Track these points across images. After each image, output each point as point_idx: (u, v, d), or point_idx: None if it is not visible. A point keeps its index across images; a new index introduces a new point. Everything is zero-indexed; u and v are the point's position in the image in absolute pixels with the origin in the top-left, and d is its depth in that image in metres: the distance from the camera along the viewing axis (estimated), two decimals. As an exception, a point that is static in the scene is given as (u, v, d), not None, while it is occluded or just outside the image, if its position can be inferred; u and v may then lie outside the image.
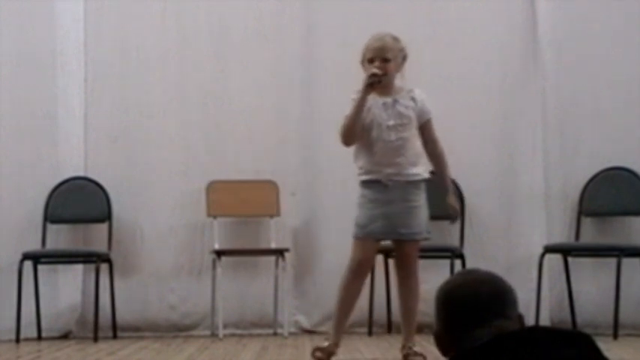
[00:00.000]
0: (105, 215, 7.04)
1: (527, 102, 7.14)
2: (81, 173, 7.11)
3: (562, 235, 7.06)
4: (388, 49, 5.21)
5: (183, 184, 7.11)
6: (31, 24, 7.09)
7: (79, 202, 7.02)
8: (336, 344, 5.24)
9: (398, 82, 5.31)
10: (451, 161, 7.05)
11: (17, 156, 7.05)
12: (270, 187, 7.09)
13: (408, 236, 5.22)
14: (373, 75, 5.11)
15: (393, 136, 5.18)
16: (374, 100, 5.21)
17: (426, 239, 5.34)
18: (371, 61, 5.20)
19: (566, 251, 6.94)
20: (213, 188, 7.06)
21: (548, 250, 6.85)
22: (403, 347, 5.30)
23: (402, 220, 5.19)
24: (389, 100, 5.23)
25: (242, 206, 7.10)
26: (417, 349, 5.26)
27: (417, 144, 5.27)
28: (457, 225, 7.01)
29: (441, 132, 7.17)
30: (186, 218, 7.10)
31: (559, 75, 7.14)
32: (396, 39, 5.28)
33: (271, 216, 7.08)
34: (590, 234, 7.09)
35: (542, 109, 7.13)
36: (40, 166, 7.07)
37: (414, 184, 5.23)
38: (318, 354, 5.19)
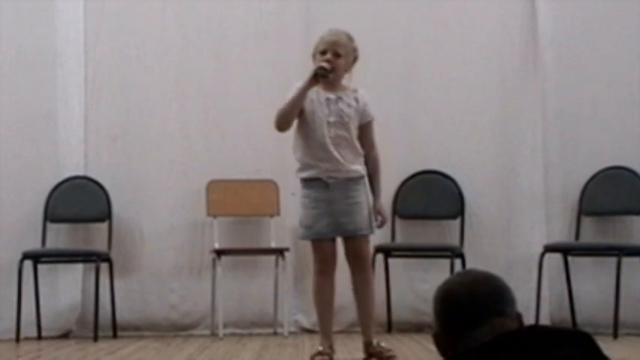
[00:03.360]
0: (105, 215, 7.04)
1: (527, 102, 7.14)
2: (81, 173, 7.11)
3: (562, 234, 7.07)
4: (341, 45, 5.25)
5: (183, 184, 7.12)
6: (31, 24, 7.09)
7: (79, 202, 7.02)
8: (330, 346, 5.25)
9: (345, 81, 5.32)
10: (451, 161, 7.12)
11: (17, 156, 7.05)
12: (270, 186, 7.09)
13: (353, 232, 5.24)
14: (321, 68, 5.13)
15: (332, 133, 5.21)
16: (317, 93, 5.24)
17: (369, 234, 5.33)
18: (323, 53, 5.23)
19: (566, 251, 6.94)
20: (213, 188, 7.06)
21: (548, 249, 6.85)
22: (370, 344, 5.29)
23: (346, 218, 5.21)
24: (333, 96, 5.26)
25: (242, 206, 7.10)
26: (384, 344, 5.28)
27: (355, 143, 5.28)
28: (457, 225, 7.03)
29: (441, 132, 7.22)
30: (186, 218, 7.11)
31: (559, 75, 7.14)
32: (350, 38, 5.32)
33: (271, 216, 7.08)
34: (590, 233, 7.09)
35: (542, 109, 7.13)
36: (40, 165, 7.08)
37: (353, 180, 5.25)
38: (319, 357, 5.20)
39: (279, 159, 7.13)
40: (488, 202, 7.14)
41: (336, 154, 5.21)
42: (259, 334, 6.93)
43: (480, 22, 7.20)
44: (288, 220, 7.09)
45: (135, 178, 7.12)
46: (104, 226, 7.05)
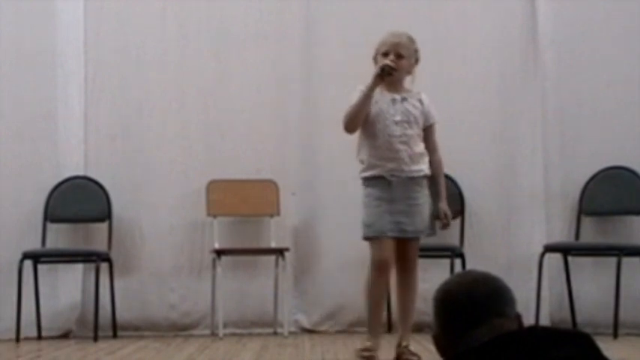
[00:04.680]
0: (105, 215, 7.04)
1: (527, 102, 7.14)
2: (81, 173, 7.11)
3: (562, 234, 7.06)
4: (404, 46, 5.25)
5: (183, 184, 7.11)
6: (31, 24, 7.09)
7: (79, 202, 7.02)
8: (377, 344, 5.22)
9: (407, 83, 5.33)
10: (451, 161, 7.08)
11: (17, 156, 7.05)
12: (270, 186, 7.09)
13: (412, 234, 5.23)
14: (386, 65, 5.13)
15: (398, 131, 5.21)
16: (382, 94, 5.23)
17: (430, 235, 5.35)
18: (385, 54, 5.22)
19: (566, 251, 6.94)
20: (213, 188, 7.06)
21: (548, 249, 6.85)
22: (399, 345, 5.29)
23: (406, 219, 5.20)
24: (397, 96, 5.26)
25: (242, 205, 7.10)
26: (412, 348, 5.26)
27: (420, 144, 5.29)
28: (457, 225, 7.03)
29: (441, 132, 7.17)
30: (186, 218, 7.11)
31: (559, 75, 7.14)
32: (412, 39, 5.32)
33: (271, 215, 7.08)
34: (590, 233, 7.09)
35: (542, 109, 7.13)
36: (40, 165, 7.08)
37: (415, 180, 5.24)
38: (366, 354, 5.17)
39: (279, 159, 7.14)
40: (488, 202, 7.13)
41: (402, 152, 5.20)
42: (259, 334, 6.93)
43: (479, 22, 7.20)
44: (288, 220, 7.10)
45: (135, 178, 7.12)
46: (104, 226, 7.05)
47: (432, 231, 5.34)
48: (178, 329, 7.04)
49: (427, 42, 7.08)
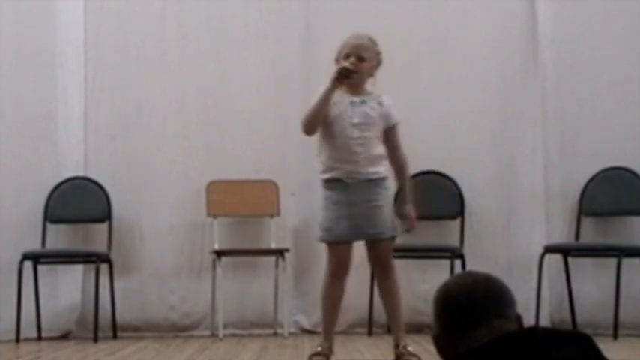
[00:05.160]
0: (105, 215, 7.04)
1: (527, 102, 7.14)
2: (81, 173, 7.11)
3: (562, 235, 7.06)
4: (366, 49, 5.23)
5: (183, 184, 7.12)
6: (31, 24, 7.09)
7: (79, 202, 7.02)
8: (329, 347, 5.24)
9: (369, 86, 5.30)
10: (451, 161, 7.12)
11: (17, 156, 7.05)
12: (270, 187, 7.09)
13: (375, 236, 5.20)
14: (344, 68, 5.13)
15: (355, 134, 5.18)
16: (342, 96, 5.22)
17: (393, 237, 5.29)
18: (347, 57, 5.21)
19: (566, 251, 6.94)
20: (213, 188, 7.06)
21: (548, 250, 6.85)
22: (397, 347, 5.29)
23: (367, 221, 5.17)
24: (357, 99, 5.24)
25: (242, 206, 7.10)
26: (411, 348, 5.25)
27: (379, 146, 5.24)
28: (457, 225, 7.03)
29: (441, 132, 7.22)
30: (186, 218, 7.11)
31: (559, 75, 7.14)
32: (374, 42, 5.30)
33: (271, 216, 7.08)
34: (590, 234, 7.09)
35: (542, 109, 7.13)
36: (40, 166, 7.08)
37: (374, 182, 5.20)
38: (316, 358, 5.20)
39: (279, 159, 7.14)
40: (488, 202, 7.13)
41: (359, 155, 5.18)
42: (259, 335, 6.93)
43: (479, 21, 7.19)
44: (288, 220, 7.10)
45: (135, 178, 7.12)
46: (104, 226, 7.05)
47: (395, 232, 5.27)
48: (178, 330, 7.03)
49: (427, 42, 7.12)
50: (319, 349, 5.23)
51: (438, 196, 7.08)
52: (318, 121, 5.18)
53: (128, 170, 7.13)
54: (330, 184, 5.21)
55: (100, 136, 7.13)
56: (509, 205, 7.13)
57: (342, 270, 5.22)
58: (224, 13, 7.18)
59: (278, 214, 7.07)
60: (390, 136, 5.29)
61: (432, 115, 7.15)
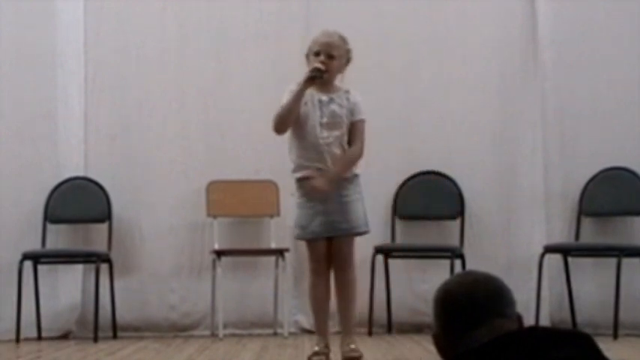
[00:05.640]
0: (105, 215, 7.04)
1: (527, 102, 7.14)
2: (81, 173, 7.11)
3: (562, 235, 7.06)
4: (335, 47, 5.27)
5: (183, 184, 7.11)
6: (31, 24, 7.09)
7: (79, 202, 7.02)
8: (326, 345, 5.26)
9: (337, 82, 5.33)
10: (451, 161, 7.12)
11: (17, 156, 7.05)
12: (270, 187, 7.09)
13: (347, 231, 5.25)
14: (316, 69, 5.15)
15: (324, 134, 5.23)
16: (311, 95, 5.26)
17: (365, 232, 5.36)
18: (317, 54, 5.24)
19: (566, 251, 6.94)
20: (213, 188, 7.06)
21: (548, 250, 6.84)
22: (342, 344, 5.29)
23: (340, 217, 5.23)
24: (325, 97, 5.28)
25: (242, 206, 7.10)
26: (353, 346, 5.26)
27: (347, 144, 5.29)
28: (457, 225, 7.03)
29: (441, 132, 7.22)
30: (186, 218, 7.10)
31: (559, 75, 7.14)
32: (344, 39, 5.33)
33: (271, 216, 7.07)
34: (590, 234, 7.09)
35: (542, 109, 7.12)
36: (40, 166, 7.07)
37: (347, 179, 5.26)
38: (316, 358, 5.20)
39: (279, 159, 7.09)
40: (488, 202, 7.13)
41: (328, 155, 5.22)
42: (259, 335, 6.93)
43: (479, 22, 7.19)
44: (288, 220, 7.07)
45: (135, 178, 7.12)
46: (104, 226, 7.04)
47: (367, 227, 5.33)
48: (178, 330, 7.03)
49: (427, 42, 7.12)
50: (316, 348, 5.25)
51: (438, 196, 7.08)
52: (290, 121, 5.25)
53: (128, 170, 7.13)
54: (302, 182, 5.26)
55: (100, 136, 7.13)
56: (509, 205, 7.12)
57: (322, 265, 5.27)
58: (224, 13, 7.18)
59: (278, 214, 7.06)
60: (352, 129, 5.29)
61: (432, 115, 7.15)
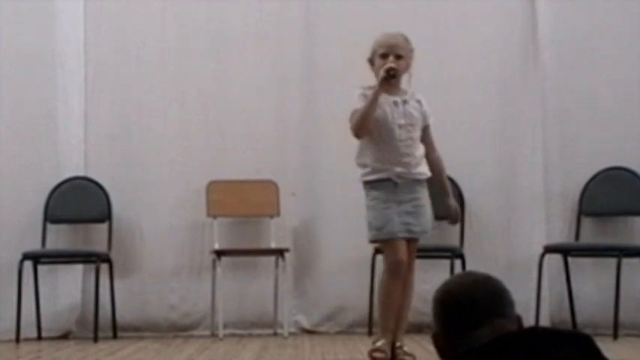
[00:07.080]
0: (105, 215, 7.04)
1: (527, 102, 7.14)
2: (81, 173, 7.11)
3: (562, 235, 7.06)
4: (401, 47, 5.26)
5: (183, 184, 7.11)
6: (31, 24, 7.09)
7: (79, 202, 7.02)
8: (388, 344, 5.22)
9: (404, 83, 5.33)
10: (451, 161, 7.06)
11: (17, 156, 7.05)
12: (270, 187, 7.09)
13: (419, 234, 5.27)
14: (392, 69, 5.12)
15: (403, 135, 5.22)
16: (384, 97, 5.22)
17: (429, 235, 5.41)
18: (384, 56, 5.20)
19: (566, 251, 6.94)
20: (213, 188, 7.06)
21: (548, 250, 6.84)
22: (393, 345, 5.28)
23: (413, 219, 5.23)
24: (399, 99, 5.26)
25: (242, 206, 7.10)
26: (406, 348, 5.25)
27: (421, 146, 5.33)
28: (457, 225, 7.02)
29: (441, 132, 7.16)
30: (186, 218, 7.10)
31: (559, 75, 7.14)
32: (407, 39, 5.33)
33: (271, 216, 7.07)
34: (590, 234, 7.09)
35: (542, 109, 7.13)
36: (40, 166, 7.07)
37: (420, 182, 5.29)
38: (378, 354, 5.16)
39: (279, 159, 7.14)
40: (488, 202, 7.13)
41: (407, 158, 5.22)
42: (259, 335, 6.93)
43: (479, 21, 7.19)
44: (288, 220, 7.09)
45: (135, 178, 7.12)
46: (104, 226, 7.04)
47: (431, 231, 5.39)
48: (178, 330, 7.03)
49: (427, 42, 7.10)
50: (379, 344, 5.20)
51: (437, 197, 7.06)
52: (369, 125, 5.19)
53: (128, 170, 7.13)
54: (376, 184, 5.24)
55: (100, 136, 7.13)
56: (509, 205, 7.12)
57: (401, 266, 5.22)
58: (224, 13, 7.18)
59: (278, 214, 7.06)
60: (426, 134, 5.36)
61: (432, 115, 7.14)
